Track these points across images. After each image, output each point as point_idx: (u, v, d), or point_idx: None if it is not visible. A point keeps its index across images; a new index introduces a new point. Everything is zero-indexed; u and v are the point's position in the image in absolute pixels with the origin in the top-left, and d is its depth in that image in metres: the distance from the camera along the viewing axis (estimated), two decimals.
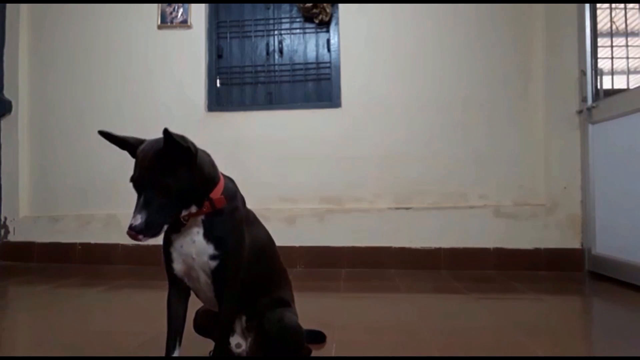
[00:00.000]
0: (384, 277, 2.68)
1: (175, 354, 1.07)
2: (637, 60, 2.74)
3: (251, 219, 1.20)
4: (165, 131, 0.93)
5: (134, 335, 1.54)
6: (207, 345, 1.26)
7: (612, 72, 2.75)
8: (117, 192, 3.18)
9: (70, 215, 3.25)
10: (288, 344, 1.13)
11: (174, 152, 0.96)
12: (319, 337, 1.46)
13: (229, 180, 1.19)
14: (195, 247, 1.05)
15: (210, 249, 1.04)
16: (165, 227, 0.98)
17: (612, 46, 2.74)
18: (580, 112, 2.81)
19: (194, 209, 1.04)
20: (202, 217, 1.05)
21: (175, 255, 1.07)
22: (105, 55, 3.30)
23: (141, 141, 1.08)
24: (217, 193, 1.06)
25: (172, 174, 0.97)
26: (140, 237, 0.93)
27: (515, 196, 2.93)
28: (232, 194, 1.12)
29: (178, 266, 1.07)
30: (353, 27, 3.11)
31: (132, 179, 0.99)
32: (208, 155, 1.14)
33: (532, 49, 2.96)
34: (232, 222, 1.08)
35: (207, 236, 1.05)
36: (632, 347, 1.45)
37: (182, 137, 0.96)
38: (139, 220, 0.93)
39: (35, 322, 1.83)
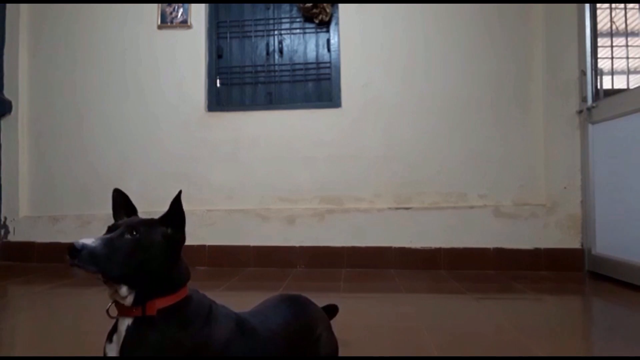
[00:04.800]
0: (384, 277, 2.68)
1: None
2: (637, 60, 2.74)
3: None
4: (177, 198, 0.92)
5: None
6: None
7: (612, 72, 2.75)
8: None
9: (70, 215, 3.25)
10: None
11: (174, 217, 0.93)
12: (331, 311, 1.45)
13: (202, 302, 0.96)
14: None
15: None
16: (104, 275, 0.83)
17: (612, 46, 2.74)
18: (580, 112, 2.81)
19: (129, 298, 0.87)
20: (128, 323, 0.87)
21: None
22: (105, 55, 3.30)
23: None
24: (164, 301, 0.88)
25: (161, 237, 0.91)
26: (75, 260, 0.79)
27: (515, 196, 2.93)
28: (190, 316, 0.91)
29: None
30: (353, 27, 3.11)
31: (115, 223, 0.92)
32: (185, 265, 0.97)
33: (532, 49, 2.96)
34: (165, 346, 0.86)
35: (122, 350, 0.86)
36: (632, 347, 1.45)
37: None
38: (90, 241, 0.81)
39: (35, 322, 1.83)
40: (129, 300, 0.87)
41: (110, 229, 0.90)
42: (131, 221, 0.92)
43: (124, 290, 0.86)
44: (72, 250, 0.79)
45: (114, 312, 0.90)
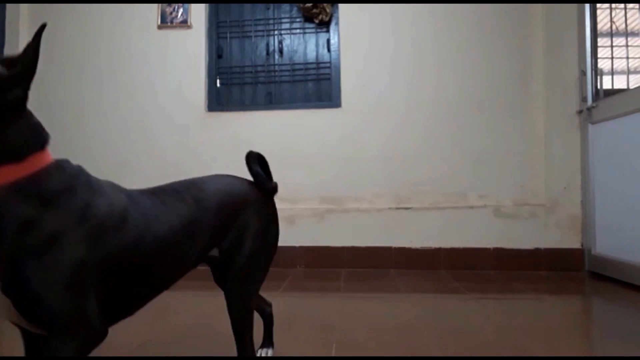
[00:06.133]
0: (384, 277, 2.68)
1: None
2: (637, 60, 2.74)
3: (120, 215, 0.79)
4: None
5: (134, 335, 1.54)
6: None
7: (612, 72, 2.75)
8: None
9: None
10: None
11: None
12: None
13: (74, 172, 0.77)
14: None
15: None
16: None
17: (612, 46, 2.74)
18: (580, 112, 2.81)
19: None
20: None
21: None
22: (105, 55, 3.30)
23: None
24: (6, 173, 0.67)
25: None
26: None
27: (515, 196, 2.93)
28: (57, 188, 0.71)
29: None
30: (353, 27, 3.11)
31: None
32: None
33: (532, 49, 2.96)
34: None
35: None
36: (632, 347, 1.45)
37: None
38: None
39: None
40: None
41: None
42: None
43: None
44: None
45: None
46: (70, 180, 0.74)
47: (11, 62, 0.70)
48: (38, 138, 0.74)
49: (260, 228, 1.08)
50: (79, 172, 0.79)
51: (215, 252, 1.05)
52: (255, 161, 1.18)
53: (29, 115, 0.74)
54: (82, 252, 0.71)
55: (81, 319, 0.71)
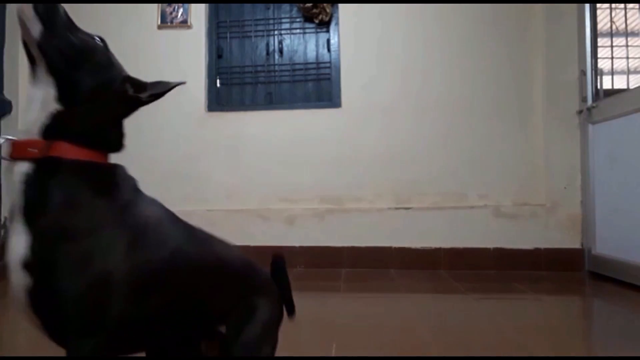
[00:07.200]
0: (384, 277, 2.68)
1: None
2: (637, 60, 2.74)
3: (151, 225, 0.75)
4: None
5: None
6: None
7: (612, 72, 2.75)
8: None
9: None
10: None
11: None
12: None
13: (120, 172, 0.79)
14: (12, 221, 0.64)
15: (20, 245, 0.61)
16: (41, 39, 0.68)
17: (612, 46, 2.74)
18: (580, 112, 2.81)
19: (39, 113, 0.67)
20: (25, 167, 0.64)
21: None
22: None
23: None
24: (80, 152, 0.67)
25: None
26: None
27: (515, 196, 2.93)
28: (112, 185, 0.72)
29: None
30: (353, 27, 3.11)
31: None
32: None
33: (532, 49, 2.96)
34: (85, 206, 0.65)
35: (26, 212, 0.62)
36: (632, 347, 1.45)
37: None
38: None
39: None
40: (36, 117, 0.65)
41: None
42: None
43: (43, 88, 0.66)
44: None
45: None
46: (123, 181, 0.77)
47: (138, 85, 0.84)
48: (118, 143, 0.83)
49: (270, 321, 0.90)
50: (131, 177, 0.83)
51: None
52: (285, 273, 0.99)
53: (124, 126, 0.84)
54: (117, 252, 0.66)
55: (99, 325, 0.65)
